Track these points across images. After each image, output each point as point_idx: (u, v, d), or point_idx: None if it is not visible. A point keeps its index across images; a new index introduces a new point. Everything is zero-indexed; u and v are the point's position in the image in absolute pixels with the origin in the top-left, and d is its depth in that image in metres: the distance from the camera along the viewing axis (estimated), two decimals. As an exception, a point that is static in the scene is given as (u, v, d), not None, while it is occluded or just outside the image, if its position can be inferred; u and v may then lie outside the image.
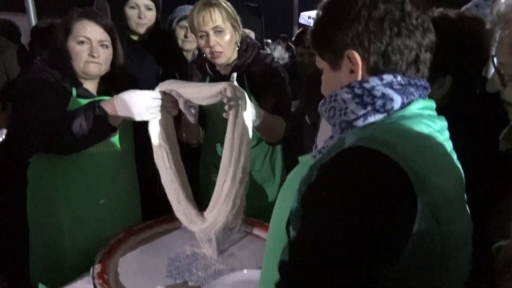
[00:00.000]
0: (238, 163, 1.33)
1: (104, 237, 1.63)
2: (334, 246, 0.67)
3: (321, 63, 0.92)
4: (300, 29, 3.23)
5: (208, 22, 1.69)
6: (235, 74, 1.56)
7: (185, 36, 2.48)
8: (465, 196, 0.85)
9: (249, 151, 1.39)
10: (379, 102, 0.81)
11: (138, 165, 1.91)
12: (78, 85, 1.66)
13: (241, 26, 1.82)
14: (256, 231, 1.73)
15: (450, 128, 0.89)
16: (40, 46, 2.39)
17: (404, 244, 0.69)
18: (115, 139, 1.74)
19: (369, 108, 0.81)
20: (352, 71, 0.84)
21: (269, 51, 3.26)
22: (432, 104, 0.87)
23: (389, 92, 0.81)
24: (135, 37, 2.20)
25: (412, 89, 0.83)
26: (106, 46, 1.68)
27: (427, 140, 0.80)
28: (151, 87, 1.57)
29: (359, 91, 0.82)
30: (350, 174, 0.71)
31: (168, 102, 1.53)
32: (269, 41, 10.21)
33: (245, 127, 1.36)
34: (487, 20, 1.10)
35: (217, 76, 1.86)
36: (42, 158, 1.65)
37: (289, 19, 12.13)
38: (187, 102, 1.50)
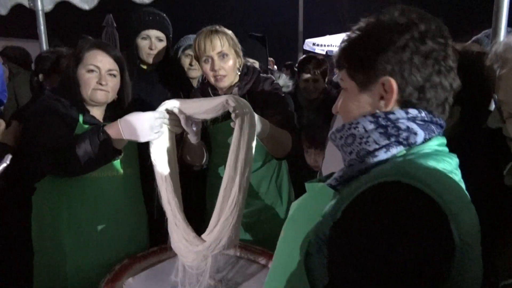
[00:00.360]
0: (243, 173, 1.32)
1: (108, 263, 1.62)
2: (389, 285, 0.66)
3: (346, 82, 0.90)
4: (304, 56, 3.28)
5: (214, 47, 1.75)
6: (236, 89, 1.59)
7: (190, 64, 2.54)
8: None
9: (252, 160, 1.37)
10: (404, 135, 0.82)
11: (144, 190, 1.92)
12: (85, 112, 1.71)
13: (242, 53, 1.88)
14: (262, 260, 1.72)
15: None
16: (44, 73, 2.45)
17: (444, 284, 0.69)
18: (118, 163, 1.76)
19: (392, 139, 0.82)
20: (382, 97, 0.84)
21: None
22: (445, 141, 0.88)
23: (414, 126, 0.82)
24: (145, 66, 2.26)
25: (433, 127, 0.85)
26: (114, 75, 1.74)
27: (452, 178, 0.80)
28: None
29: (383, 122, 0.83)
30: (393, 211, 0.70)
31: (171, 120, 1.55)
32: (275, 67, 10.35)
33: (250, 136, 1.35)
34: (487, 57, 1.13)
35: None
36: (47, 183, 1.67)
37: (294, 45, 12.32)
38: (189, 119, 1.52)
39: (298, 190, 2.11)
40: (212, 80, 1.83)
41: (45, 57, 2.51)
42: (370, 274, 0.67)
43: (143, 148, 1.85)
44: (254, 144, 1.37)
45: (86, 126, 1.68)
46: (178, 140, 1.66)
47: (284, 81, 3.21)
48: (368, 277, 0.67)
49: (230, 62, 1.79)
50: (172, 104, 1.51)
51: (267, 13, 16.33)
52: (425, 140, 0.83)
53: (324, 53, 10.87)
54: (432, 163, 0.79)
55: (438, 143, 0.85)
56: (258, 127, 1.47)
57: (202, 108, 1.45)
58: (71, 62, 1.70)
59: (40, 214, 1.71)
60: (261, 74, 1.97)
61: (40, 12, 2.91)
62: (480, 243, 0.83)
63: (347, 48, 0.90)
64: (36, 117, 1.64)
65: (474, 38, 1.91)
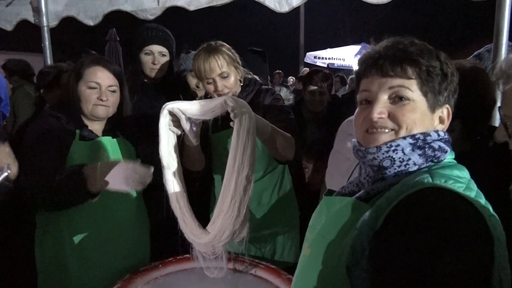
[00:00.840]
0: (241, 171, 1.31)
1: (112, 278, 1.61)
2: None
3: (414, 93, 0.88)
4: (313, 69, 3.31)
5: (214, 70, 1.76)
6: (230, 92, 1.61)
7: (197, 86, 2.54)
8: None
9: (254, 160, 1.36)
10: (438, 154, 0.88)
11: (146, 200, 1.93)
12: (83, 127, 1.72)
13: (241, 64, 1.89)
14: (258, 272, 1.71)
15: None
16: (45, 88, 2.48)
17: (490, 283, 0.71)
18: None
19: (429, 160, 0.87)
20: (441, 121, 0.92)
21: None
22: (454, 155, 0.94)
23: (442, 145, 0.89)
24: (148, 81, 2.29)
25: (449, 143, 0.92)
26: (114, 91, 1.76)
27: (475, 186, 0.85)
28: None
29: (421, 144, 0.86)
30: (437, 214, 0.72)
31: (173, 121, 1.55)
32: (292, 78, 10.39)
33: (249, 135, 1.35)
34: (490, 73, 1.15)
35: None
36: None
37: (295, 58, 12.42)
38: (189, 119, 1.53)
39: (302, 203, 2.11)
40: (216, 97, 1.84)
41: (47, 72, 2.53)
42: (422, 281, 0.68)
43: (144, 158, 1.86)
44: (253, 143, 1.36)
45: (83, 142, 1.70)
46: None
47: (284, 94, 3.23)
48: (420, 285, 0.68)
49: (232, 79, 1.81)
50: (174, 105, 1.52)
51: (269, 27, 16.49)
52: None
53: (325, 65, 10.94)
54: (456, 172, 0.85)
55: (452, 156, 0.91)
56: (259, 126, 1.48)
57: (202, 109, 1.46)
58: (72, 78, 1.72)
59: (43, 233, 1.71)
60: (262, 86, 1.98)
61: (45, 28, 2.95)
62: None
63: (419, 61, 0.88)
64: (30, 147, 1.63)
65: (475, 53, 1.92)
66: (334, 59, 11.19)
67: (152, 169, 1.47)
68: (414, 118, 0.86)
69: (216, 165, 1.99)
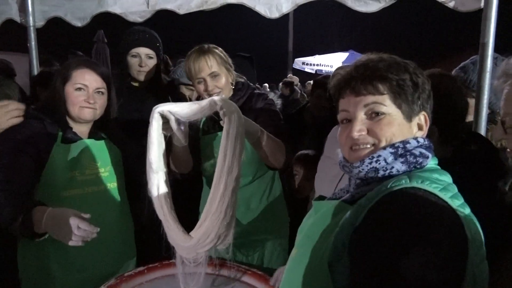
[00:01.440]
0: (231, 171, 1.31)
1: (97, 282, 1.58)
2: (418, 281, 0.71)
3: (388, 108, 0.93)
4: (324, 75, 3.36)
5: (204, 68, 1.77)
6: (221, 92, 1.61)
7: (190, 98, 2.52)
8: None
9: (241, 161, 1.36)
10: (420, 160, 0.91)
11: (132, 207, 1.90)
12: (67, 129, 1.70)
13: (233, 67, 1.90)
14: (246, 278, 1.70)
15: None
16: (40, 87, 2.45)
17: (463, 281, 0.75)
18: (103, 177, 1.74)
19: (412, 166, 0.90)
20: (420, 128, 0.96)
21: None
22: (437, 160, 0.97)
23: (423, 151, 0.92)
24: (136, 84, 2.26)
25: (430, 149, 0.95)
26: (102, 93, 1.74)
27: (454, 189, 0.89)
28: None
29: (401, 151, 0.91)
30: (412, 212, 0.77)
31: (162, 123, 1.54)
32: (266, 85, 10.42)
33: (238, 135, 1.35)
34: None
35: (212, 114, 1.89)
36: None
37: (283, 64, 12.48)
38: (178, 120, 1.52)
39: (292, 210, 2.10)
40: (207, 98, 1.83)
41: (46, 72, 2.50)
42: (394, 274, 0.72)
43: (128, 162, 1.84)
44: (242, 142, 1.36)
45: (64, 145, 1.67)
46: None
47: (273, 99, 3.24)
48: (392, 276, 0.72)
49: (223, 80, 1.81)
50: (164, 107, 1.51)
51: (258, 32, 16.56)
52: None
53: (313, 72, 11.02)
54: (435, 175, 0.88)
55: (434, 162, 0.95)
56: (247, 127, 1.49)
57: (191, 109, 1.47)
58: (59, 79, 1.69)
59: (26, 240, 1.66)
60: (254, 91, 1.98)
61: (32, 28, 2.90)
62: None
63: (388, 77, 0.93)
64: (4, 162, 1.56)
65: (461, 64, 1.95)
66: (322, 65, 11.28)
67: (97, 229, 1.44)
68: (392, 131, 0.92)
69: (205, 168, 1.97)
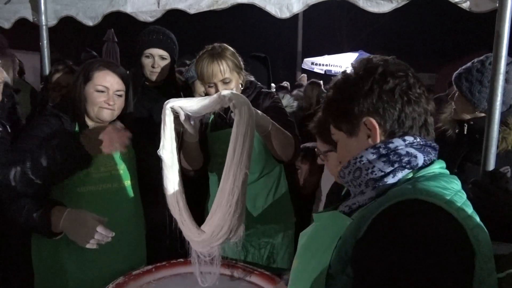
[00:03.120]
0: (240, 163, 1.31)
1: (110, 277, 1.61)
2: None
3: (336, 135, 1.01)
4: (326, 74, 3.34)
5: (216, 75, 1.78)
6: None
7: (205, 94, 2.53)
8: None
9: (251, 153, 1.37)
10: (405, 159, 0.89)
11: (145, 205, 1.92)
12: (85, 128, 1.72)
13: (243, 68, 1.90)
14: (253, 279, 1.69)
15: None
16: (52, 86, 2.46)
17: None
18: (116, 176, 1.76)
19: (396, 165, 0.89)
20: (369, 136, 0.93)
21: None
22: (444, 164, 0.95)
23: (412, 150, 0.90)
24: (149, 83, 2.29)
25: (429, 149, 0.92)
26: (121, 96, 1.77)
27: (462, 197, 0.87)
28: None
29: (384, 151, 0.90)
30: (416, 225, 0.76)
31: (174, 118, 1.55)
32: (273, 85, 10.38)
33: (248, 128, 1.35)
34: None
35: (221, 111, 1.90)
36: None
37: (292, 64, 12.46)
38: (188, 116, 1.53)
39: (298, 210, 2.09)
40: None
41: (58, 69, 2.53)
42: (404, 284, 0.72)
43: (141, 160, 1.85)
44: (252, 135, 1.36)
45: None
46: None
47: (288, 101, 3.24)
48: (402, 286, 0.72)
49: (233, 85, 1.83)
50: (174, 103, 1.52)
51: (267, 32, 16.55)
52: (426, 163, 0.91)
53: (322, 72, 10.97)
54: (442, 183, 0.86)
55: (440, 166, 0.92)
56: (258, 119, 1.50)
57: (201, 104, 1.47)
58: (80, 79, 1.71)
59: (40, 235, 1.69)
60: (262, 90, 1.99)
61: (44, 27, 2.93)
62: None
63: (326, 107, 1.01)
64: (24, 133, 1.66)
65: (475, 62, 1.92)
66: (331, 65, 11.22)
67: (113, 234, 1.51)
68: (342, 155, 1.00)
69: (212, 165, 1.98)
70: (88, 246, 1.46)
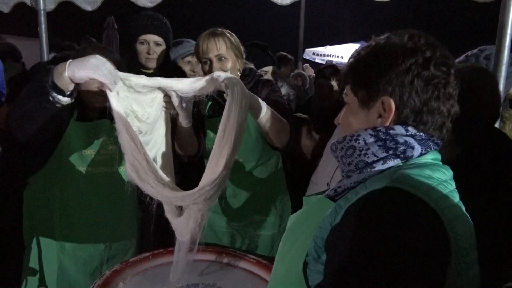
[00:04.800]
0: (230, 142, 1.28)
1: (100, 259, 1.68)
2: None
3: (349, 97, 0.94)
4: (326, 64, 3.32)
5: (212, 49, 1.77)
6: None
7: (192, 71, 2.52)
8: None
9: (242, 136, 1.33)
10: (401, 148, 0.85)
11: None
12: (80, 111, 1.71)
13: (244, 56, 1.89)
14: (243, 264, 1.71)
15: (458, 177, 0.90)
16: None
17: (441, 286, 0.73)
18: (113, 159, 1.75)
19: (390, 152, 0.85)
20: (380, 116, 0.88)
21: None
22: (439, 156, 0.91)
23: (412, 141, 0.86)
24: (145, 70, 2.26)
25: (430, 143, 0.88)
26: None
27: (447, 187, 0.83)
28: None
29: (383, 136, 0.86)
30: (388, 215, 0.74)
31: (164, 101, 1.56)
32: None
33: (241, 108, 1.32)
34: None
35: (219, 97, 1.89)
36: (40, 178, 1.68)
37: (294, 54, 12.38)
38: (181, 98, 1.52)
39: (297, 202, 2.09)
40: None
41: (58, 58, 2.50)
42: (367, 275, 0.70)
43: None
44: (245, 116, 1.33)
45: (80, 122, 1.69)
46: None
47: (286, 90, 3.22)
48: (365, 277, 0.71)
49: (229, 65, 1.80)
50: (164, 81, 1.50)
51: (268, 22, 16.42)
52: (421, 154, 0.87)
53: (324, 62, 10.93)
54: (427, 172, 0.83)
55: (433, 157, 0.88)
56: (252, 101, 1.48)
57: (192, 85, 1.46)
58: None
59: (32, 209, 1.72)
60: (261, 78, 1.98)
61: (42, 12, 2.90)
62: (486, 251, 0.88)
63: (354, 65, 0.93)
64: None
65: (468, 53, 1.90)
66: (333, 56, 11.17)
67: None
68: (346, 120, 0.95)
69: (209, 151, 1.96)
70: (100, 77, 1.34)
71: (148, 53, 2.20)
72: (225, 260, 1.75)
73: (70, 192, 1.70)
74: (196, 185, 1.34)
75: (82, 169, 1.71)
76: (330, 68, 3.01)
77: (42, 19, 2.90)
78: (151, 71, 2.27)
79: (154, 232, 1.85)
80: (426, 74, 0.84)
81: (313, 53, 11.63)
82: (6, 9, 3.10)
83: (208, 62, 1.80)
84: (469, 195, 0.92)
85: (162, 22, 2.26)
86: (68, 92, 1.42)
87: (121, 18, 5.33)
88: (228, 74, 1.39)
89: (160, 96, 1.56)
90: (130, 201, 1.88)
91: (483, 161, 1.28)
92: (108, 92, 1.41)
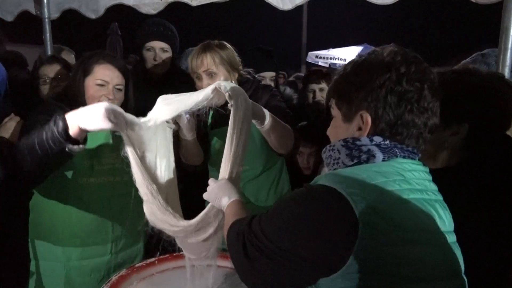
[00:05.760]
0: (237, 156, 1.31)
1: (106, 269, 1.68)
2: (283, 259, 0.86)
3: (335, 111, 1.02)
4: (314, 68, 3.29)
5: (200, 65, 1.79)
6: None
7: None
8: (447, 235, 0.93)
9: (247, 145, 1.35)
10: (364, 157, 0.93)
11: None
12: None
13: (240, 67, 1.88)
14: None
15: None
16: None
17: (344, 261, 0.81)
18: (119, 169, 1.74)
19: (355, 160, 0.93)
20: (360, 128, 0.95)
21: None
22: (405, 161, 0.94)
23: (374, 149, 0.92)
24: (151, 76, 2.28)
25: (397, 151, 0.93)
26: (121, 90, 1.75)
27: (377, 178, 0.89)
28: None
29: (351, 145, 0.94)
30: (304, 203, 0.89)
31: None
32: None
33: (245, 118, 1.34)
34: None
35: (220, 108, 1.89)
36: (45, 188, 1.68)
37: (297, 58, 12.38)
38: (182, 112, 1.52)
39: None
40: None
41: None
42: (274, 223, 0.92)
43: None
44: (249, 126, 1.35)
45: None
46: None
47: (289, 94, 3.20)
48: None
49: (219, 79, 1.78)
50: (166, 98, 1.50)
51: (271, 25, 16.46)
52: (383, 160, 0.93)
53: (327, 65, 10.92)
54: (359, 170, 0.91)
55: (394, 162, 0.93)
56: (255, 110, 1.49)
57: (193, 99, 1.45)
58: (80, 71, 1.70)
59: (37, 220, 1.73)
60: (260, 83, 1.99)
61: (47, 20, 2.93)
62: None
63: (338, 81, 1.01)
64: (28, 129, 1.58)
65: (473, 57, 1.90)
66: (336, 59, 11.16)
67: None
68: (332, 131, 1.05)
69: (213, 162, 1.97)
70: (112, 127, 1.36)
71: (155, 60, 2.22)
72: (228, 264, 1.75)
73: (73, 201, 1.69)
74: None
75: (85, 179, 1.71)
76: (318, 73, 3.00)
77: (47, 27, 2.93)
78: (158, 77, 2.29)
79: (160, 238, 1.85)
80: (399, 90, 0.89)
81: (316, 56, 11.62)
82: (10, 18, 3.14)
83: (200, 77, 1.82)
84: (477, 199, 0.92)
85: (168, 29, 2.29)
86: (82, 140, 1.44)
87: (124, 24, 5.37)
88: (231, 84, 1.39)
89: (164, 124, 1.56)
90: (135, 209, 1.89)
91: (493, 166, 1.26)
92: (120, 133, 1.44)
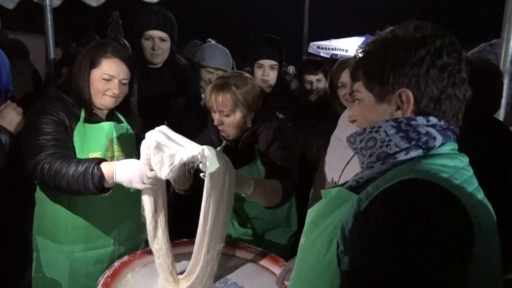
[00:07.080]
0: (212, 233, 1.33)
1: (109, 260, 1.67)
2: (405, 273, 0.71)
3: (362, 94, 0.95)
4: (308, 58, 3.24)
5: (213, 103, 1.74)
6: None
7: (209, 81, 2.52)
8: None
9: (228, 217, 1.38)
10: (424, 139, 0.87)
11: None
12: (88, 110, 1.70)
13: (257, 106, 1.80)
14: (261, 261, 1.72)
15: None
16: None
17: (466, 270, 0.75)
18: None
19: (413, 143, 0.87)
20: (398, 108, 0.89)
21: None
22: (457, 146, 0.93)
23: (433, 131, 0.88)
24: (150, 66, 2.27)
25: (449, 133, 0.90)
26: (125, 84, 1.73)
27: (464, 174, 0.85)
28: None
29: (404, 127, 0.88)
30: (413, 204, 0.76)
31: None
32: (291, 67, 10.23)
33: (223, 194, 1.32)
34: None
35: (231, 143, 1.88)
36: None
37: (298, 48, 12.32)
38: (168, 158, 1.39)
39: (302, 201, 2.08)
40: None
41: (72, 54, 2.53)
42: (392, 263, 0.72)
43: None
44: (230, 201, 1.35)
45: (87, 124, 1.69)
46: None
47: (296, 85, 3.18)
48: (389, 264, 0.72)
49: (230, 120, 1.76)
50: (158, 138, 1.40)
51: (272, 15, 16.34)
52: (442, 144, 0.88)
53: (329, 56, 10.87)
54: (444, 161, 0.85)
55: (451, 147, 0.90)
56: (240, 182, 1.43)
57: (183, 154, 1.34)
58: (85, 62, 1.67)
59: (41, 212, 1.73)
60: (274, 122, 1.87)
61: (48, 8, 2.92)
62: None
63: (363, 62, 0.94)
64: (32, 120, 1.63)
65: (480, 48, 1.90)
66: (338, 49, 11.10)
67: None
68: (363, 116, 0.96)
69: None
70: (144, 185, 1.46)
71: (153, 49, 2.21)
72: (234, 253, 1.77)
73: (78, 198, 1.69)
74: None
75: None
76: (313, 62, 2.96)
77: (49, 15, 2.92)
78: (157, 66, 2.29)
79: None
80: (440, 63, 0.86)
81: (318, 47, 11.56)
82: (11, 6, 3.12)
83: (214, 112, 1.78)
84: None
85: (166, 18, 2.27)
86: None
87: (125, 13, 5.33)
88: (218, 155, 1.33)
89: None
90: (137, 200, 1.90)
91: (480, 149, 1.28)
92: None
